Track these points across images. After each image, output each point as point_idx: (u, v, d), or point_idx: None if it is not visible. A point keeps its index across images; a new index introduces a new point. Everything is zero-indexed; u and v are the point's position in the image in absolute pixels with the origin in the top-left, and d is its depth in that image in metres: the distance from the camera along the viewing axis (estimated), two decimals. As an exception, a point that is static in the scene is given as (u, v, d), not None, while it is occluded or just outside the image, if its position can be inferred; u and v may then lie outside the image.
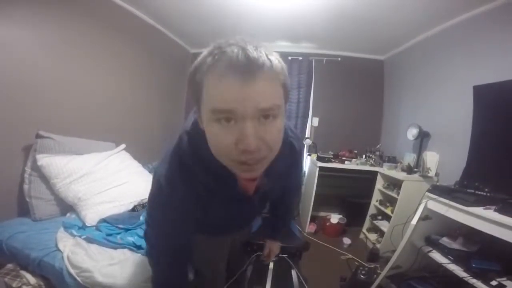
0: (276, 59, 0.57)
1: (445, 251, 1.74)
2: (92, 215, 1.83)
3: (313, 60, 3.88)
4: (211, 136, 0.58)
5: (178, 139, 0.75)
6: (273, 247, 1.36)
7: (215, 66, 0.53)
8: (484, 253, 1.62)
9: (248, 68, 0.51)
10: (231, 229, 1.14)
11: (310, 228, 3.30)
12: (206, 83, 0.55)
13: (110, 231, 1.70)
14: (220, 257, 1.28)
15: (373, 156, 3.43)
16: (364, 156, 3.56)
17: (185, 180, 0.73)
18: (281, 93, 0.58)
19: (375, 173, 3.18)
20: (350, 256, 2.70)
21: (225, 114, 0.53)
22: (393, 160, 3.24)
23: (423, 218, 1.86)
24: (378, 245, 2.75)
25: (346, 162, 3.42)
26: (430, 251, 1.80)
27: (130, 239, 1.61)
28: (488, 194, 1.58)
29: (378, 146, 3.58)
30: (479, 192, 1.62)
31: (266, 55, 0.55)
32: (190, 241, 0.92)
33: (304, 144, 1.15)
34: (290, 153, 0.85)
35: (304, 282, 1.55)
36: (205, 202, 0.78)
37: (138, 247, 1.55)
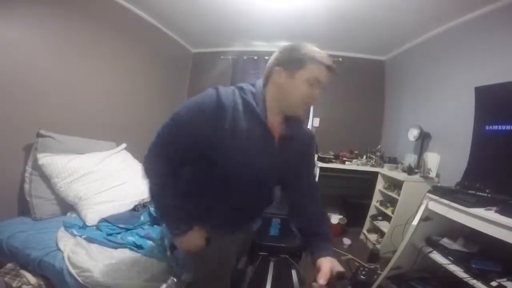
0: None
1: (445, 252, 1.73)
2: (92, 214, 1.83)
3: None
4: (298, 91, 0.92)
5: (239, 86, 1.01)
6: (334, 264, 0.88)
7: (322, 61, 0.91)
8: (485, 254, 1.62)
9: (332, 71, 0.94)
10: (246, 200, 1.05)
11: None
12: (314, 64, 0.91)
13: (111, 230, 1.70)
14: (229, 259, 1.18)
15: (373, 157, 3.43)
16: (364, 156, 3.55)
17: (225, 100, 0.90)
18: None
19: (375, 174, 3.18)
20: (350, 256, 2.70)
21: (318, 83, 0.92)
22: (393, 160, 3.24)
23: (424, 219, 1.86)
24: (378, 246, 2.74)
25: (346, 162, 3.42)
26: (430, 252, 1.79)
27: (131, 238, 1.61)
28: (489, 195, 1.58)
29: (379, 146, 3.58)
30: (480, 193, 1.62)
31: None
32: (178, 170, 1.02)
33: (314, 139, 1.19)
34: (305, 134, 1.14)
35: (304, 282, 1.55)
36: (237, 128, 0.91)
37: (139, 247, 1.55)
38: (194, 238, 0.99)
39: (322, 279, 0.79)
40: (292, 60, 0.92)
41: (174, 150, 0.95)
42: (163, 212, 1.03)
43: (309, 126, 3.95)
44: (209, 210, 1.04)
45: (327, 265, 0.85)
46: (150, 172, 0.99)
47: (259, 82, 1.01)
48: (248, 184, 1.01)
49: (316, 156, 3.44)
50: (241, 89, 0.97)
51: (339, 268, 0.85)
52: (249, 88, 0.99)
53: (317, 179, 3.09)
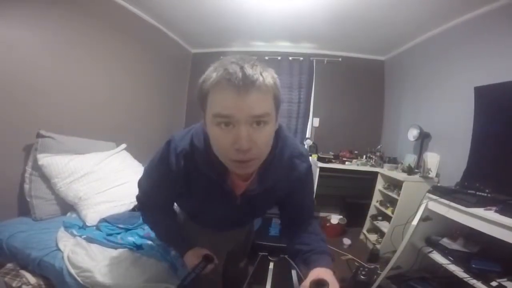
0: (269, 75, 0.69)
1: (445, 251, 1.74)
2: (92, 214, 1.83)
3: (314, 61, 3.88)
4: (213, 137, 0.71)
5: (200, 128, 0.86)
6: (317, 273, 0.81)
7: (218, 81, 0.65)
8: (485, 254, 1.62)
9: (244, 82, 0.62)
10: (217, 225, 1.15)
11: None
12: (211, 93, 0.67)
13: (111, 231, 1.70)
14: (219, 246, 1.19)
15: (373, 157, 3.43)
16: (364, 156, 3.56)
17: (189, 159, 0.84)
18: (272, 103, 0.70)
19: (375, 174, 3.18)
20: (350, 256, 2.70)
21: (224, 119, 0.65)
22: (393, 160, 3.24)
23: (424, 219, 1.86)
24: (378, 246, 2.75)
25: (346, 162, 3.42)
26: (430, 252, 1.80)
27: (131, 239, 1.61)
28: (489, 195, 1.58)
29: (379, 146, 3.58)
30: (480, 193, 1.62)
31: (260, 72, 0.66)
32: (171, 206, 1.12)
33: (311, 169, 1.02)
34: (290, 171, 0.91)
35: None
36: (194, 184, 0.89)
37: (139, 247, 1.55)
38: (191, 257, 1.04)
39: None
40: (198, 97, 0.73)
41: (157, 197, 1.01)
42: (164, 239, 1.21)
43: (309, 127, 3.95)
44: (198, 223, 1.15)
45: (311, 275, 0.81)
46: (144, 216, 1.15)
47: None
48: (222, 222, 1.12)
49: (316, 156, 3.44)
50: (195, 139, 0.84)
51: (326, 277, 0.77)
52: (204, 137, 0.82)
53: (317, 179, 3.12)
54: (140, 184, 1.05)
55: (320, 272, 0.81)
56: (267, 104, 0.68)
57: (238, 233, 1.34)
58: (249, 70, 0.64)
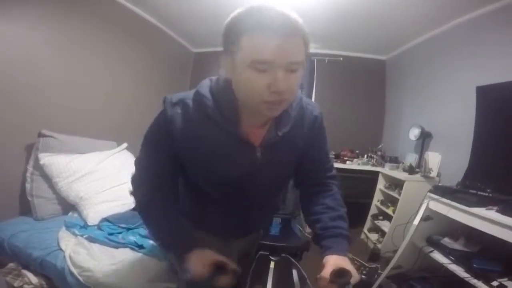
0: (301, 21, 0.67)
1: (446, 251, 1.73)
2: (93, 214, 1.83)
3: (315, 60, 3.88)
4: (245, 80, 0.67)
5: (199, 85, 0.82)
6: (339, 262, 0.75)
7: (257, 25, 0.62)
8: (486, 253, 1.62)
9: (285, 29, 0.62)
10: (233, 210, 0.96)
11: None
12: (246, 37, 0.63)
13: (112, 230, 1.70)
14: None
15: (374, 156, 3.42)
16: (365, 156, 3.55)
17: (188, 111, 0.80)
18: (304, 52, 0.69)
19: (376, 173, 3.18)
20: (351, 256, 2.69)
21: (263, 65, 0.63)
22: (395, 160, 3.24)
23: (425, 218, 1.86)
24: (379, 245, 2.75)
25: (347, 162, 3.42)
26: (431, 252, 1.79)
27: (132, 238, 1.62)
28: (490, 195, 1.58)
29: (380, 146, 3.57)
30: (481, 193, 1.62)
31: (297, 20, 0.65)
32: (175, 189, 0.97)
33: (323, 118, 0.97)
34: (304, 116, 0.88)
35: (305, 282, 1.55)
36: (198, 143, 0.80)
37: (140, 247, 1.55)
38: (196, 262, 0.78)
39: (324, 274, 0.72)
40: (226, 41, 0.70)
41: (156, 168, 0.88)
42: (162, 237, 0.92)
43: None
44: (203, 216, 0.98)
45: (330, 264, 0.74)
46: (136, 187, 0.96)
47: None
48: (233, 195, 0.92)
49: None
50: (199, 88, 0.81)
51: (346, 266, 0.73)
52: (210, 85, 0.81)
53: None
54: (136, 162, 0.94)
55: (337, 261, 0.75)
56: (302, 52, 0.68)
57: (244, 243, 1.16)
58: (290, 17, 0.64)
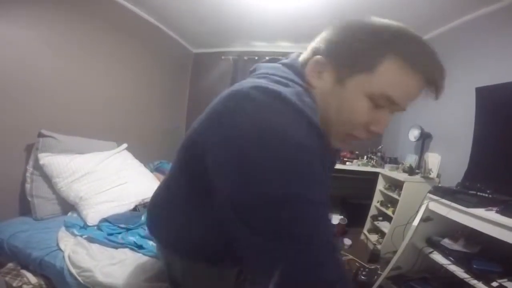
0: None
1: (446, 252, 1.73)
2: (93, 214, 1.83)
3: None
4: (349, 107, 0.55)
5: (270, 70, 0.60)
6: None
7: (420, 61, 0.52)
8: (486, 254, 1.62)
9: (441, 88, 0.55)
10: None
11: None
12: (395, 63, 0.52)
13: (112, 230, 1.70)
14: None
15: (374, 157, 3.42)
16: (365, 157, 3.55)
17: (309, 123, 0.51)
18: None
19: (376, 174, 3.18)
20: (350, 257, 2.69)
21: (389, 105, 0.55)
22: (394, 161, 3.24)
23: (425, 219, 1.86)
24: (379, 246, 2.74)
25: (347, 163, 3.42)
26: (431, 252, 1.79)
27: (131, 238, 1.62)
28: (490, 196, 1.58)
29: (380, 147, 3.57)
30: (481, 194, 1.62)
31: None
32: None
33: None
34: None
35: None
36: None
37: (139, 247, 1.55)
38: None
39: None
40: (353, 52, 0.54)
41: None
42: None
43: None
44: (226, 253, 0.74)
45: None
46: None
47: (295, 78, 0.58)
48: None
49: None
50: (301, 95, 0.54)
51: None
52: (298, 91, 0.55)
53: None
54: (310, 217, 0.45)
55: None
56: None
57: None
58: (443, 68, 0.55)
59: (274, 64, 0.65)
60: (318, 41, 0.61)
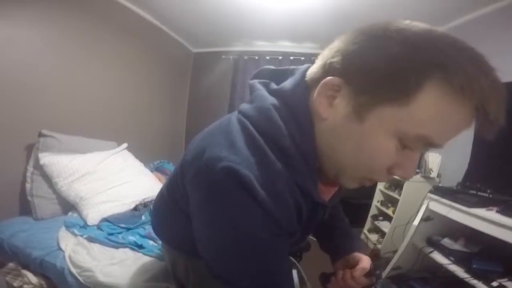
0: None
1: (446, 252, 1.73)
2: (93, 214, 1.83)
3: (315, 60, 3.87)
4: (372, 147, 0.44)
5: (256, 114, 0.52)
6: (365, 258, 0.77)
7: (473, 87, 0.37)
8: (486, 254, 1.62)
9: (499, 112, 0.40)
10: None
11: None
12: (440, 89, 0.38)
13: (112, 230, 1.70)
14: None
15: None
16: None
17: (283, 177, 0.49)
18: None
19: (376, 174, 3.17)
20: (351, 256, 2.69)
21: (424, 146, 0.44)
22: (394, 160, 3.23)
23: (425, 219, 1.86)
24: (379, 246, 2.74)
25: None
26: (431, 252, 1.80)
27: (132, 238, 1.62)
28: (490, 196, 1.58)
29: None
30: (481, 194, 1.62)
31: None
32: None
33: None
34: None
35: (304, 282, 1.55)
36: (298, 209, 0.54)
37: (140, 247, 1.55)
38: None
39: (360, 272, 0.71)
40: (380, 74, 0.40)
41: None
42: None
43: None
44: None
45: (365, 259, 0.75)
46: None
47: (299, 102, 0.51)
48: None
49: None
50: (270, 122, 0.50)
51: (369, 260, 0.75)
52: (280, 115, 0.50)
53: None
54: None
55: (367, 258, 0.75)
56: None
57: None
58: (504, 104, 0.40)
59: (265, 101, 0.52)
60: (332, 53, 0.47)
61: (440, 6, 2.35)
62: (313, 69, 0.52)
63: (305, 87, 0.52)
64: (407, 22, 0.41)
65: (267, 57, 3.78)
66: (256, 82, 0.58)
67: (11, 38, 1.85)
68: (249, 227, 0.47)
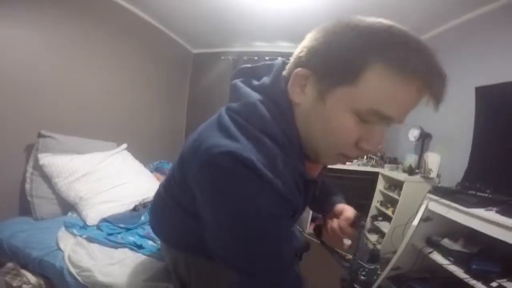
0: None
1: (445, 252, 1.73)
2: (93, 214, 1.83)
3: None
4: (335, 126, 0.51)
5: (245, 109, 0.56)
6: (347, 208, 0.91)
7: (408, 65, 0.44)
8: (485, 254, 1.62)
9: (440, 98, 0.51)
10: None
11: (310, 228, 3.29)
12: (381, 71, 0.45)
13: (111, 230, 1.70)
14: None
15: (374, 157, 3.42)
16: (365, 157, 3.55)
17: (279, 159, 0.54)
18: None
19: (376, 174, 3.18)
20: (350, 256, 2.69)
21: (380, 120, 0.49)
22: (394, 161, 3.24)
23: (424, 219, 1.86)
24: (378, 246, 2.74)
25: (347, 163, 3.41)
26: (430, 252, 1.79)
27: (131, 238, 1.62)
28: (490, 196, 1.58)
29: (379, 147, 3.56)
30: (481, 194, 1.62)
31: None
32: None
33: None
34: None
35: (305, 283, 1.55)
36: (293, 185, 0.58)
37: (139, 247, 1.55)
38: None
39: (345, 222, 0.84)
40: (333, 61, 0.49)
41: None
42: None
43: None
44: None
45: (348, 209, 0.88)
46: None
47: (277, 91, 0.57)
48: None
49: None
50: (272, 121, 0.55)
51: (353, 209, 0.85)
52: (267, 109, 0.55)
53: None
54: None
55: (351, 209, 0.88)
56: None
57: None
58: (446, 82, 0.50)
59: (250, 97, 0.57)
60: (300, 49, 0.56)
61: (439, 6, 2.35)
62: (289, 64, 0.59)
63: (283, 80, 0.58)
64: (360, 17, 0.52)
65: (266, 58, 3.78)
66: (238, 82, 0.63)
67: (11, 38, 1.86)
68: (264, 206, 0.50)
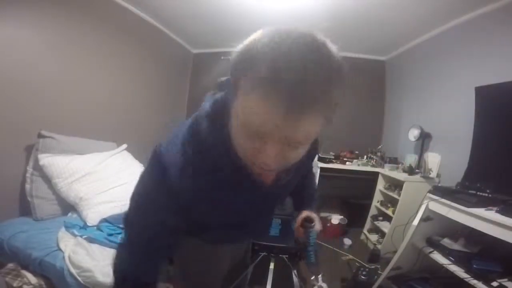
0: (337, 81, 0.48)
1: (446, 252, 1.73)
2: (93, 215, 1.83)
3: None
4: (237, 136, 0.51)
5: (195, 122, 0.65)
6: (306, 213, 1.05)
7: (264, 83, 0.41)
8: (486, 254, 1.62)
9: (299, 101, 0.41)
10: (245, 228, 0.90)
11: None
12: (247, 85, 0.44)
13: (111, 231, 1.70)
14: (215, 275, 1.05)
15: (374, 157, 3.42)
16: (365, 157, 3.55)
17: (199, 168, 0.62)
18: (321, 124, 0.49)
19: (376, 174, 3.18)
20: (351, 257, 2.69)
21: (263, 138, 0.47)
22: (394, 161, 3.23)
23: (425, 219, 1.86)
24: (379, 246, 2.74)
25: (347, 162, 3.42)
26: (431, 252, 1.79)
27: (131, 239, 1.62)
28: (490, 195, 1.58)
29: (380, 147, 3.57)
30: (481, 193, 1.62)
31: (328, 80, 0.45)
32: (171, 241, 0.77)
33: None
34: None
35: (305, 283, 1.55)
36: (216, 194, 0.66)
37: (139, 247, 1.55)
38: None
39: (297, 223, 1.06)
40: (239, 66, 0.48)
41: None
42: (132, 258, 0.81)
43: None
44: (204, 229, 0.84)
45: (304, 213, 1.06)
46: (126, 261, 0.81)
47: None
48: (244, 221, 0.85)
49: (316, 157, 3.44)
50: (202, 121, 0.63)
51: (312, 216, 1.05)
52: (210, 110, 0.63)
53: (317, 179, 3.11)
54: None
55: (306, 213, 1.06)
56: (316, 129, 0.48)
57: (237, 252, 1.21)
58: (312, 85, 0.41)
59: (202, 110, 0.65)
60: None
61: (439, 6, 2.35)
62: None
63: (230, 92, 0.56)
64: (264, 32, 0.46)
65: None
66: (208, 95, 0.70)
67: (11, 38, 1.86)
68: (148, 188, 0.76)
